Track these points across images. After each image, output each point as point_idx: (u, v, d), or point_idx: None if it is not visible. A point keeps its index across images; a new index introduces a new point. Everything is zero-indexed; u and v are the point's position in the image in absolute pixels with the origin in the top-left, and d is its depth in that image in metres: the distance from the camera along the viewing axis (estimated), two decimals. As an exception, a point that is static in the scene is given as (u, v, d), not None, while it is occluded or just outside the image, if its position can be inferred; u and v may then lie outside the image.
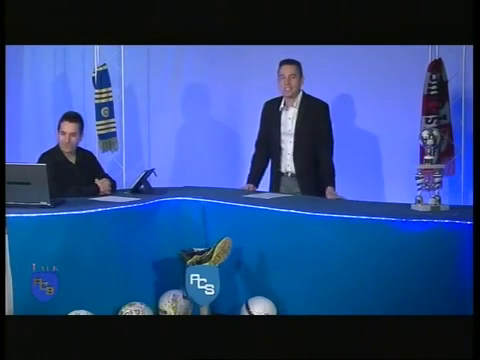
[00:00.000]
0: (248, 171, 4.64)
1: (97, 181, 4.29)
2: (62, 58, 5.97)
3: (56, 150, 4.36)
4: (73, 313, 3.58)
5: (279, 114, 4.47)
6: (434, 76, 5.18)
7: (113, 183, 4.43)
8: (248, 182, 4.57)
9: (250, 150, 4.72)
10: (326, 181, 4.31)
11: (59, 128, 4.32)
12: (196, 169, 5.67)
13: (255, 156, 4.65)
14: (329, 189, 4.24)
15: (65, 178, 4.21)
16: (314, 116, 4.40)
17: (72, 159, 4.33)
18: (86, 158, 4.47)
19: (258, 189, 4.56)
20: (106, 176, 4.51)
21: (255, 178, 4.59)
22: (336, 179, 4.39)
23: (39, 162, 4.19)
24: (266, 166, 4.62)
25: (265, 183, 4.64)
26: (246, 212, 3.98)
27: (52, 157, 4.28)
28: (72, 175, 4.27)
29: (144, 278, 3.94)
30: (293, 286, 3.81)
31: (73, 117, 4.35)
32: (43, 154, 4.33)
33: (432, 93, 5.20)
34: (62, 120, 4.33)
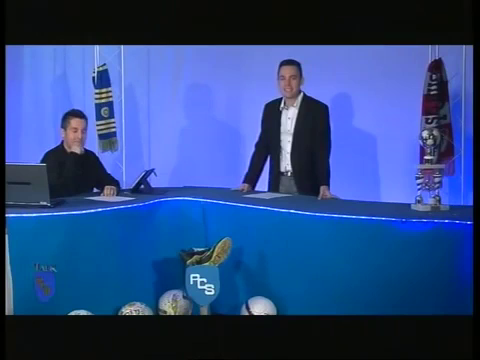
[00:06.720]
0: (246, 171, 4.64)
1: (106, 188, 4.24)
2: (62, 58, 5.98)
3: (60, 149, 4.35)
4: (73, 313, 3.57)
5: (279, 114, 4.48)
6: (434, 76, 5.18)
7: (117, 185, 4.41)
8: (244, 182, 4.56)
9: (250, 150, 4.71)
10: (321, 181, 4.30)
11: (67, 126, 4.29)
12: (196, 169, 5.67)
13: (253, 156, 4.64)
14: (323, 188, 4.23)
15: (69, 177, 4.21)
16: (314, 116, 4.41)
17: (76, 158, 4.28)
18: (89, 158, 4.47)
19: (256, 189, 4.55)
20: (109, 175, 4.52)
21: (252, 178, 4.58)
22: (336, 179, 4.38)
23: (43, 161, 4.18)
24: (263, 167, 4.61)
25: (263, 183, 4.63)
26: (246, 212, 3.98)
27: (56, 156, 4.27)
28: (76, 174, 4.25)
29: (144, 278, 3.94)
30: (293, 286, 3.80)
31: (80, 113, 4.36)
32: (47, 153, 4.32)
33: (432, 93, 5.20)
34: (70, 118, 4.30)
